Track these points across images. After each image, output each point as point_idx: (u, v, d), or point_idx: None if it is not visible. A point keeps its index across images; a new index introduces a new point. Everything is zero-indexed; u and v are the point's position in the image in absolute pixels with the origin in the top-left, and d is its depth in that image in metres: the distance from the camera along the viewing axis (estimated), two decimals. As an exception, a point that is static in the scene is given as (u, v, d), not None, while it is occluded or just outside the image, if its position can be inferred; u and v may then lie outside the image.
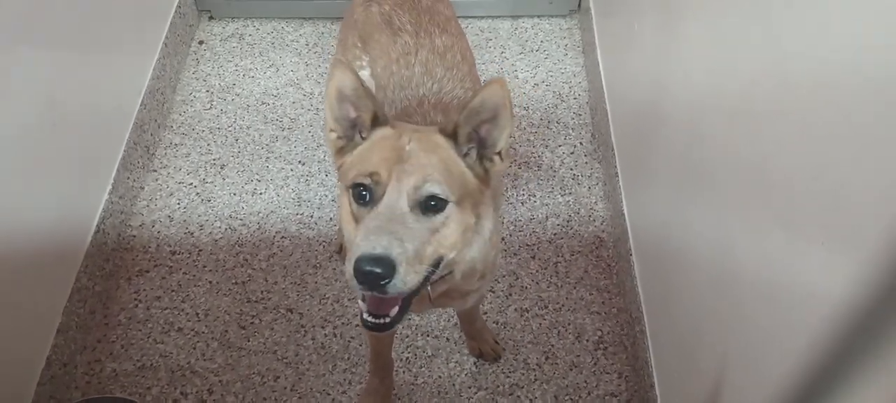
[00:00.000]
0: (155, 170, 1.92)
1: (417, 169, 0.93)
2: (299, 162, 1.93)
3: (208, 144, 1.97)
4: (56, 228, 1.54)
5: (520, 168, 1.91)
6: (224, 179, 1.89)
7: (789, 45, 0.87)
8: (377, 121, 1.00)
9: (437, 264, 0.95)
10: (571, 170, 1.91)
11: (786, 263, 0.87)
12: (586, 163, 1.92)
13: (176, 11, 2.11)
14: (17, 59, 1.38)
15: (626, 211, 1.66)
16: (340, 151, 1.03)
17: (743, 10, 1.02)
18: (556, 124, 2.01)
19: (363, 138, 1.02)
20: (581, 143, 1.97)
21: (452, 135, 0.99)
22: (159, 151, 1.96)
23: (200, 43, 2.24)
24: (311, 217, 1.82)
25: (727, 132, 1.08)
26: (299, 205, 1.84)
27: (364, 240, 0.88)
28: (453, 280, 1.07)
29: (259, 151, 1.96)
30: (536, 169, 1.91)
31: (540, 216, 1.81)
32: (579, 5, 2.28)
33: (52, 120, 1.51)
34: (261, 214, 1.82)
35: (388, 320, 0.95)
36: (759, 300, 0.95)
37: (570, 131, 2.00)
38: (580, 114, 2.04)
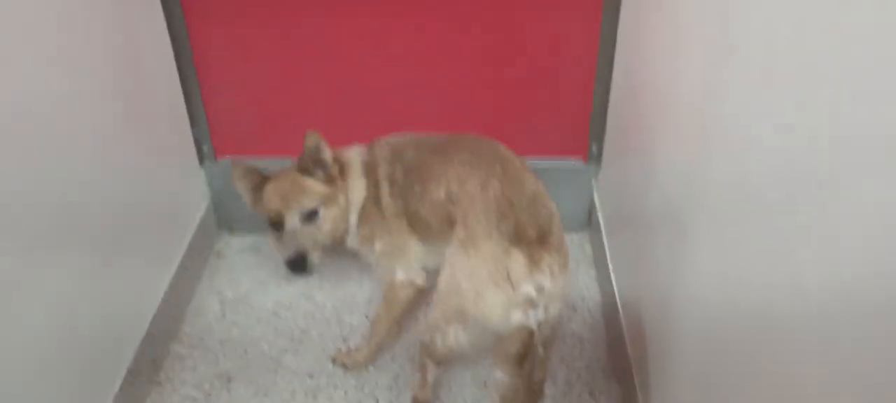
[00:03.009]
0: (159, 383, 1.87)
1: (294, 199, 1.69)
2: (308, 375, 1.89)
3: (216, 356, 1.94)
4: (50, 445, 1.47)
5: (535, 384, 1.85)
6: (230, 393, 1.84)
7: (803, 260, 0.86)
8: (264, 179, 1.76)
9: (332, 241, 1.76)
10: (588, 385, 1.84)
11: None
12: (603, 378, 1.86)
13: (198, 227, 2.18)
14: (35, 266, 1.40)
15: (647, 432, 1.57)
16: (256, 204, 1.79)
17: (751, 227, 1.03)
18: (570, 337, 1.98)
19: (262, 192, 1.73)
20: (597, 359, 1.92)
21: (305, 170, 1.70)
22: (166, 363, 1.92)
23: (218, 255, 2.29)
24: (317, 434, 1.74)
25: (746, 347, 1.05)
26: (305, 422, 1.77)
27: (285, 249, 1.72)
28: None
29: (268, 363, 1.92)
30: (552, 385, 1.85)
31: (557, 436, 1.72)
32: (589, 221, 2.33)
33: (62, 330, 1.50)
34: (265, 431, 1.75)
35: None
36: None
37: (586, 345, 1.96)
38: (595, 329, 2.01)
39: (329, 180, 1.70)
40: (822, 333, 0.81)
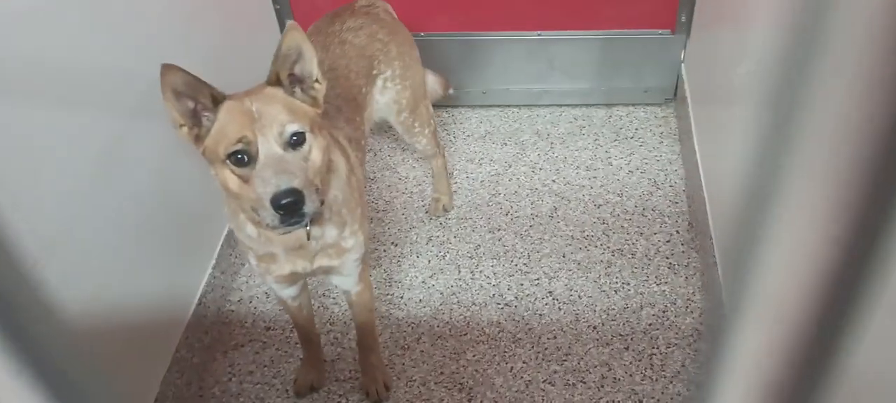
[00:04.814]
0: (255, 248, 1.99)
1: (272, 119, 1.11)
2: (392, 243, 1.97)
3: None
4: (162, 300, 1.61)
5: (613, 255, 1.87)
6: (319, 258, 1.95)
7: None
8: (216, 99, 1.13)
9: (317, 186, 1.15)
10: (667, 258, 1.85)
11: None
12: (683, 252, 1.86)
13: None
14: (135, 133, 1.49)
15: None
16: (198, 139, 1.15)
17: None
18: (651, 212, 1.97)
19: (210, 119, 1.14)
20: (677, 232, 1.91)
21: (278, 83, 1.17)
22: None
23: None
24: (401, 298, 1.83)
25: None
26: (390, 286, 1.86)
27: (270, 184, 1.08)
28: (326, 210, 1.26)
29: (354, 232, 2.01)
30: (630, 256, 1.86)
31: (634, 305, 1.75)
32: (675, 94, 2.26)
33: (163, 194, 1.61)
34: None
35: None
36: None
37: (666, 219, 1.95)
38: (676, 202, 1.99)
39: (313, 102, 1.21)
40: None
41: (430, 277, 1.87)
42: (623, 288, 1.80)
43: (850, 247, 0.18)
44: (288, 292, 1.47)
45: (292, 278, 1.37)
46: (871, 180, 0.17)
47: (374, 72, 1.64)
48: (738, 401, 0.22)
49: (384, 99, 1.69)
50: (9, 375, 0.24)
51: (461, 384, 1.64)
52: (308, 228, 1.23)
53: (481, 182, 2.12)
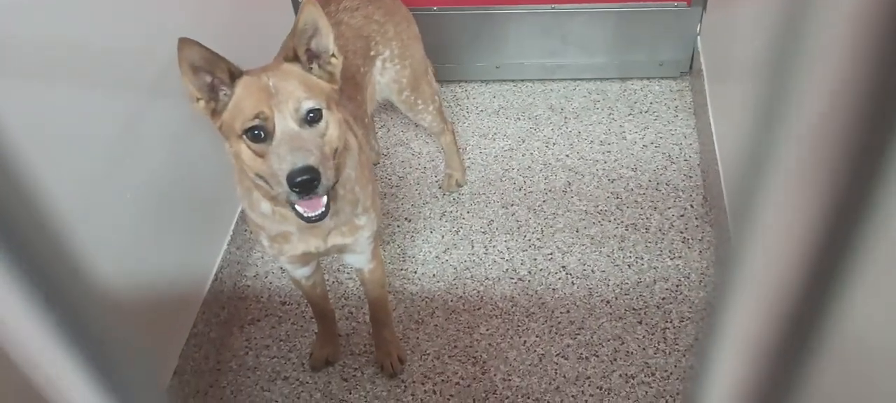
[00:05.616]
0: (270, 224, 2.01)
1: (288, 95, 1.11)
2: (405, 218, 1.98)
3: (320, 200, 2.06)
4: (179, 275, 1.64)
5: (627, 230, 1.87)
6: (334, 234, 1.96)
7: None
8: (233, 75, 1.14)
9: (334, 162, 1.17)
10: (681, 232, 1.84)
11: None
12: (697, 226, 1.85)
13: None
14: (151, 111, 1.51)
15: (740, 278, 1.57)
16: (214, 113, 1.16)
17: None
18: (665, 186, 1.96)
19: (227, 94, 1.15)
20: (692, 206, 1.90)
21: (295, 59, 1.18)
22: (275, 206, 2.06)
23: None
24: (415, 272, 1.84)
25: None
26: (404, 261, 1.87)
27: (286, 161, 1.09)
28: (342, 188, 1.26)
29: (368, 208, 2.02)
30: (644, 231, 1.86)
31: (647, 279, 1.75)
32: (691, 67, 2.24)
33: (179, 171, 1.62)
34: (367, 269, 1.87)
35: (322, 210, 1.15)
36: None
37: (680, 193, 1.94)
38: (691, 177, 1.98)
39: (330, 78, 1.21)
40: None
41: (444, 252, 1.88)
42: (636, 262, 1.79)
43: (838, 217, 0.19)
44: (301, 272, 1.48)
45: (305, 258, 1.38)
46: (857, 156, 0.18)
47: (372, 53, 1.63)
48: (733, 364, 0.23)
49: (384, 79, 1.69)
50: (49, 340, 0.25)
51: (474, 357, 1.66)
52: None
53: (495, 157, 2.12)
